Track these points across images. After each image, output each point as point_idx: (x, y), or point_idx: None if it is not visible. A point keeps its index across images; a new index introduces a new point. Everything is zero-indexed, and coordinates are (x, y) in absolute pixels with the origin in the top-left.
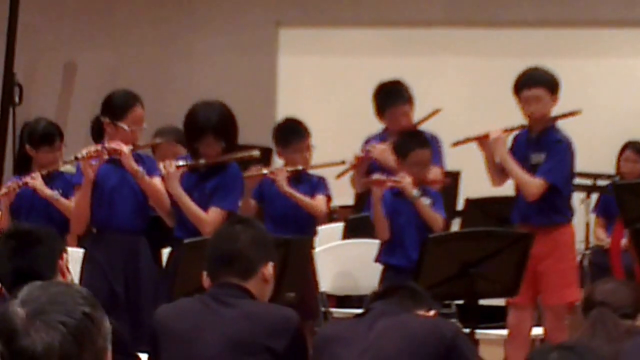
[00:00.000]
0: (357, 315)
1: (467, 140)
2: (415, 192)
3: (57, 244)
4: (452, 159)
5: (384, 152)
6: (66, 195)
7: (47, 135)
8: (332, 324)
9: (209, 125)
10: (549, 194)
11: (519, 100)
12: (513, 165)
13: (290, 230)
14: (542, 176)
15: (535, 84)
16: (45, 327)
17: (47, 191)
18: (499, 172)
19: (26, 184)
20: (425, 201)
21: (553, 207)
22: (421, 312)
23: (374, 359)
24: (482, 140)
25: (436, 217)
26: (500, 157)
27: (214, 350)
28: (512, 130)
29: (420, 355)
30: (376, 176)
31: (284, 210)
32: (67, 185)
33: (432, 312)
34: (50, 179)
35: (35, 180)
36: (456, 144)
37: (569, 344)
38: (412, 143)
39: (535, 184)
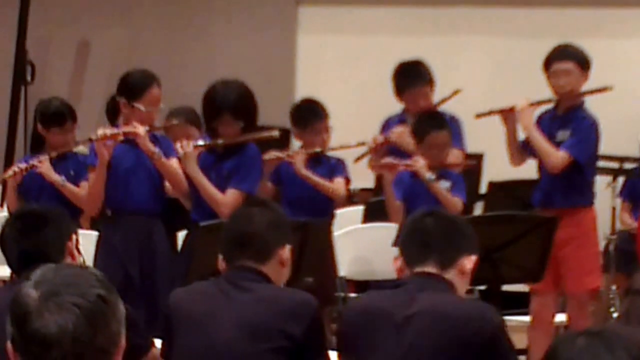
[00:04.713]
0: (394, 286)
1: (492, 112)
2: (429, 175)
3: (66, 225)
4: (476, 141)
5: (402, 134)
6: (78, 176)
7: (57, 116)
8: (366, 295)
9: (227, 105)
10: (571, 174)
11: (549, 75)
12: (537, 136)
13: (307, 213)
14: (566, 149)
15: (567, 57)
16: (59, 308)
17: (54, 176)
18: (519, 150)
19: (33, 166)
20: (444, 184)
21: (575, 188)
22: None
23: (412, 339)
24: (507, 114)
25: (453, 201)
26: (525, 128)
27: (229, 335)
28: (539, 103)
29: (456, 348)
30: (388, 160)
31: (301, 193)
32: (79, 166)
33: (473, 257)
34: (62, 160)
35: (43, 163)
36: (480, 115)
37: (595, 329)
38: (429, 125)
39: (558, 156)
